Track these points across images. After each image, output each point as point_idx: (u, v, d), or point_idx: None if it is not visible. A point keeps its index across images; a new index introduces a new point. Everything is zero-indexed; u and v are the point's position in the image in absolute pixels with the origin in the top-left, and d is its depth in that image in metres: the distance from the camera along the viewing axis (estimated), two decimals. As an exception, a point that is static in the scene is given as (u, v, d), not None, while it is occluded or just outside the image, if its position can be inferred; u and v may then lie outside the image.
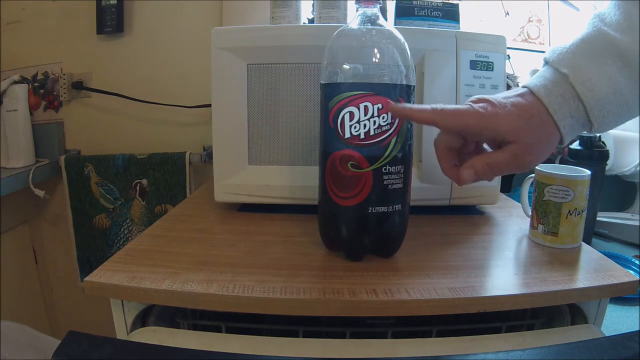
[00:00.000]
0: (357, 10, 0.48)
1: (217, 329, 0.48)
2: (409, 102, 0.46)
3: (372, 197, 0.46)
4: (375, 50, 0.45)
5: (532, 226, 0.57)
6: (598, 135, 0.85)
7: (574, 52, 0.42)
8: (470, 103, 0.44)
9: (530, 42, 1.19)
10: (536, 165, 0.49)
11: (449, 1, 0.78)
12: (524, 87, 0.44)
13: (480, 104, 0.43)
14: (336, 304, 0.42)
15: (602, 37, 0.41)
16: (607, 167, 0.88)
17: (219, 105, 0.65)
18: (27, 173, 1.02)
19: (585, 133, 0.84)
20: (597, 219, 0.90)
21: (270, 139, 0.65)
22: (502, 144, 0.43)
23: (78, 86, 1.09)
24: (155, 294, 0.43)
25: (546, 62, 0.45)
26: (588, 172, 0.54)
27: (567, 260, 0.52)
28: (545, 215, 0.55)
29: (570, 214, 0.53)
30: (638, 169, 0.96)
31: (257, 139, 0.65)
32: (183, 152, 1.03)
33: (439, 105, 0.44)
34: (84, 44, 1.09)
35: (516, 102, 0.43)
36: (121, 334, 0.47)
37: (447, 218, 0.66)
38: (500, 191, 0.69)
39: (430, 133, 0.64)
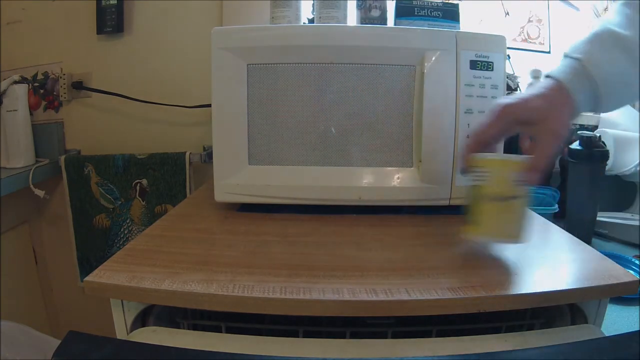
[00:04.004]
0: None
1: (217, 329, 0.48)
2: None
3: None
4: None
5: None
6: (598, 135, 0.85)
7: (586, 43, 0.50)
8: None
9: (530, 42, 1.19)
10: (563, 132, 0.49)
11: (449, 1, 0.78)
12: (545, 76, 0.50)
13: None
14: (336, 304, 0.42)
15: (609, 32, 0.48)
16: (607, 167, 0.88)
17: (219, 105, 0.65)
18: (27, 173, 1.02)
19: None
20: (597, 219, 0.90)
21: (270, 138, 0.65)
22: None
23: (78, 86, 1.09)
24: (155, 294, 0.43)
25: (564, 56, 0.51)
26: (519, 156, 0.48)
27: (567, 260, 0.52)
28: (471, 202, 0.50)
29: (491, 200, 0.48)
30: (638, 169, 0.96)
31: (257, 138, 0.65)
32: (183, 152, 1.03)
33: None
34: (84, 44, 1.09)
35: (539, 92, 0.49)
36: (121, 334, 0.47)
37: (447, 218, 0.66)
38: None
39: (430, 133, 0.64)
